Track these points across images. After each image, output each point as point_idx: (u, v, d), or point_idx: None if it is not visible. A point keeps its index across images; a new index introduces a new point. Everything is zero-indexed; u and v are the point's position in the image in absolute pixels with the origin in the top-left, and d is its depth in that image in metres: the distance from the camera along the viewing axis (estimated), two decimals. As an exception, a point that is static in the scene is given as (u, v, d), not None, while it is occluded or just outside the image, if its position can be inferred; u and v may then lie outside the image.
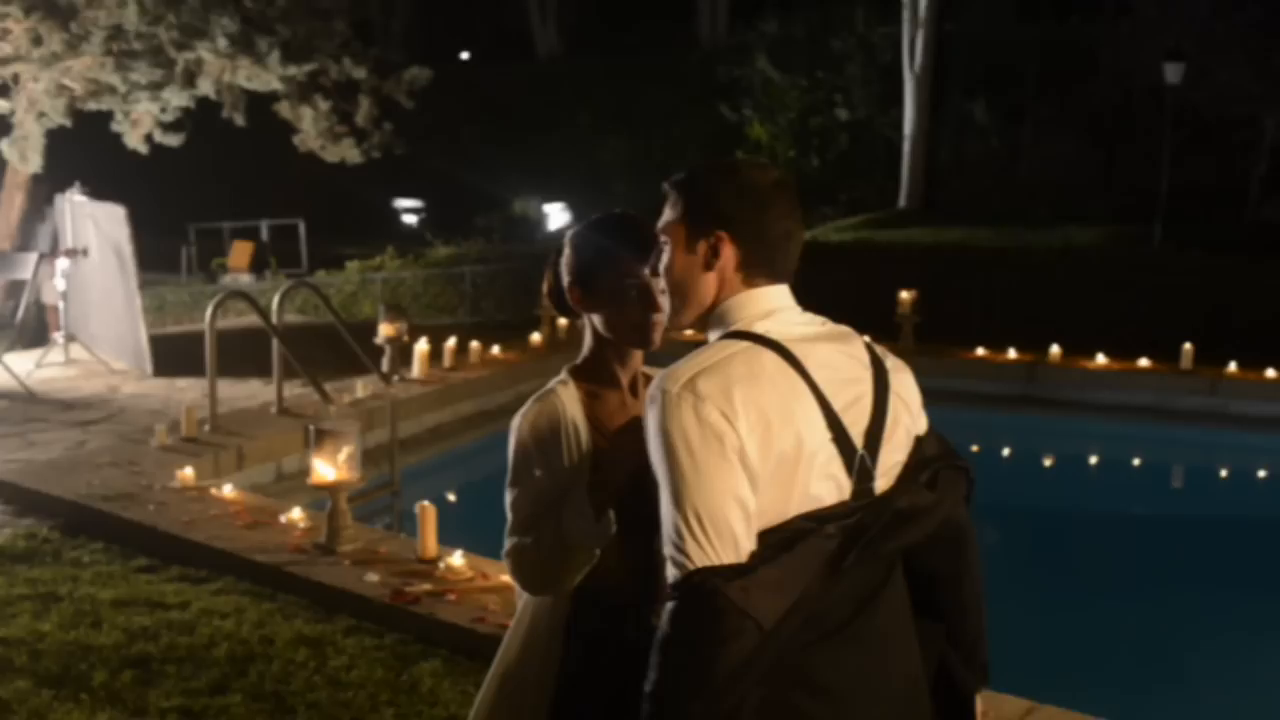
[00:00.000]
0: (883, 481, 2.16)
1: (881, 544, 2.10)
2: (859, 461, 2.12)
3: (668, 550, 2.01)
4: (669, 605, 1.98)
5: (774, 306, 2.19)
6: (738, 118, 27.89)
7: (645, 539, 2.47)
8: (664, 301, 2.32)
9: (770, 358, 2.07)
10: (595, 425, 2.53)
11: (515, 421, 2.55)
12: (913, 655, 2.22)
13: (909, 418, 2.25)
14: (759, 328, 2.14)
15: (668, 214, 2.24)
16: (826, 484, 2.09)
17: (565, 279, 2.60)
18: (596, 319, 2.56)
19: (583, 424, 2.52)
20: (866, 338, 2.29)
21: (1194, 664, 6.63)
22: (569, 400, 2.54)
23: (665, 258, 2.23)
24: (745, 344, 2.10)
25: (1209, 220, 19.68)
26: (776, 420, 2.03)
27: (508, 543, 2.52)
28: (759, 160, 2.38)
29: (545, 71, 35.00)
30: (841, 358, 2.17)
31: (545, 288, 2.71)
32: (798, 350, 2.10)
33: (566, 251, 2.61)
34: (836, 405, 2.10)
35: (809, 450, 2.06)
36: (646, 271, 2.26)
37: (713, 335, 2.21)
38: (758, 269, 2.19)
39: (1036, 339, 12.69)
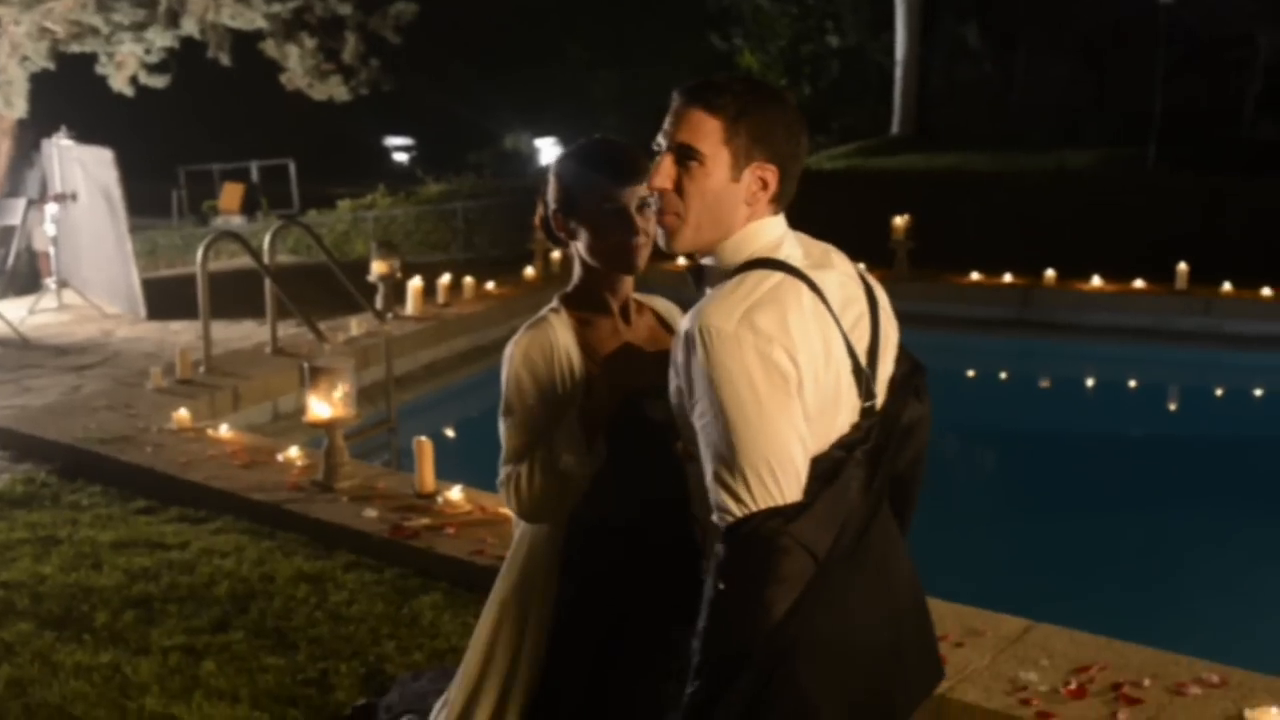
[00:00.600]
0: (879, 397, 2.18)
1: (896, 460, 2.13)
2: (865, 381, 2.14)
3: (717, 487, 1.98)
4: (723, 546, 1.97)
5: (782, 233, 2.17)
6: (728, 47, 27.63)
7: (637, 465, 2.48)
8: (651, 225, 2.28)
9: (807, 291, 2.06)
10: (587, 352, 2.53)
11: (508, 350, 2.54)
12: (907, 564, 2.25)
13: (894, 333, 2.27)
14: (780, 255, 2.11)
15: (703, 136, 2.09)
16: (849, 410, 2.11)
17: (550, 207, 2.59)
18: (581, 245, 2.55)
19: (575, 351, 2.51)
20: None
21: (1190, 582, 6.67)
22: (560, 327, 2.53)
23: (695, 180, 2.10)
24: (780, 274, 2.06)
25: (1204, 140, 19.54)
26: (821, 357, 2.03)
27: (502, 471, 2.53)
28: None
29: (533, 5, 34.65)
30: (842, 280, 2.18)
31: (537, 219, 2.71)
32: (817, 280, 2.09)
33: (550, 179, 2.60)
34: (845, 327, 2.11)
35: (844, 382, 2.08)
36: (645, 187, 2.22)
37: (710, 260, 2.18)
38: (783, 200, 2.17)
39: (1031, 263, 12.67)
